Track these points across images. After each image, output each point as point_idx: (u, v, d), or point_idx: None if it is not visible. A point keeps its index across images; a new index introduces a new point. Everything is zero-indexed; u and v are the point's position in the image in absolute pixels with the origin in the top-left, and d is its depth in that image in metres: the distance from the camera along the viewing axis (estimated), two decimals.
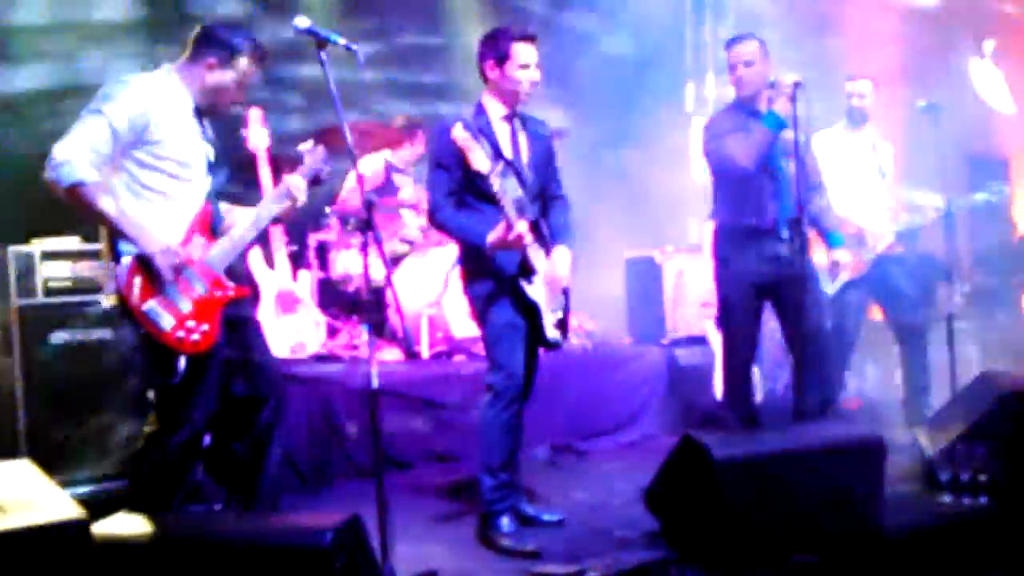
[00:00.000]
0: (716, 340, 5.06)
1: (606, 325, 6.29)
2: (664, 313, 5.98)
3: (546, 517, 3.78)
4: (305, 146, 3.48)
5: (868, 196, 5.16)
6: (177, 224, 3.11)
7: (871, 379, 6.00)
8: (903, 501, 3.78)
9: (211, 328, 3.08)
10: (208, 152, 3.23)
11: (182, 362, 3.03)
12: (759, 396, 5.04)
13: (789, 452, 3.33)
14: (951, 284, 5.41)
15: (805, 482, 3.25)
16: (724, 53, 4.30)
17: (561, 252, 3.71)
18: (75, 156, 2.89)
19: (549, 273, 3.65)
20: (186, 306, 3.05)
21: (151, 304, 3.00)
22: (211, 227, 3.21)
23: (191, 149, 3.15)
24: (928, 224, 5.15)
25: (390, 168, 5.94)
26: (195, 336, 3.04)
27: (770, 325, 4.57)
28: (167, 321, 3.01)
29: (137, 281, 2.99)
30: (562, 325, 3.74)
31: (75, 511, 2.13)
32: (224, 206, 3.37)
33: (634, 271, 6.28)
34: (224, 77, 3.18)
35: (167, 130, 3.07)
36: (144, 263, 2.99)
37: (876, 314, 5.40)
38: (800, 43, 6.66)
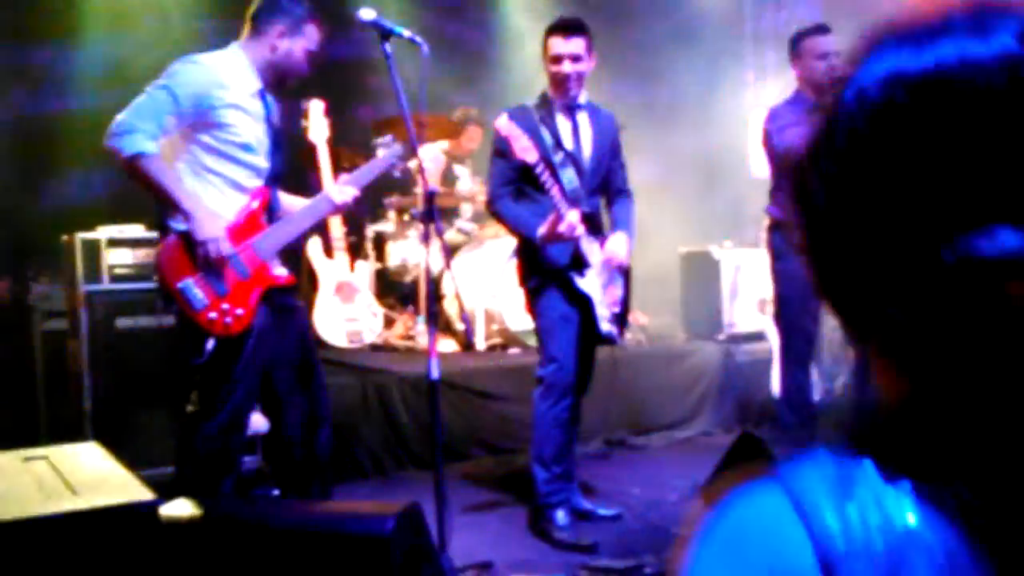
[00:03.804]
0: (774, 336, 5.00)
1: (661, 320, 6.25)
2: (721, 308, 5.91)
3: (602, 512, 3.78)
4: (383, 141, 3.48)
5: None
6: (234, 206, 3.08)
7: None
8: None
9: (245, 312, 3.04)
10: (270, 135, 3.19)
11: (210, 343, 3.00)
12: (817, 395, 4.96)
13: None
14: None
15: None
16: (791, 44, 4.21)
17: (618, 237, 3.68)
18: (136, 127, 2.88)
19: (605, 258, 3.62)
20: (223, 289, 3.01)
21: (187, 282, 2.98)
22: (266, 211, 3.18)
23: (254, 132, 3.12)
24: None
25: (449, 159, 5.96)
26: (227, 319, 3.00)
27: (829, 323, 4.49)
28: (200, 301, 2.98)
29: (177, 258, 2.98)
30: (620, 320, 3.72)
31: (145, 493, 2.16)
32: (281, 195, 3.35)
33: (690, 266, 6.22)
34: (294, 46, 3.15)
35: (232, 112, 3.04)
36: (188, 241, 2.96)
37: None
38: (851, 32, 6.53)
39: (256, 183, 3.14)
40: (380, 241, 5.82)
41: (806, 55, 4.13)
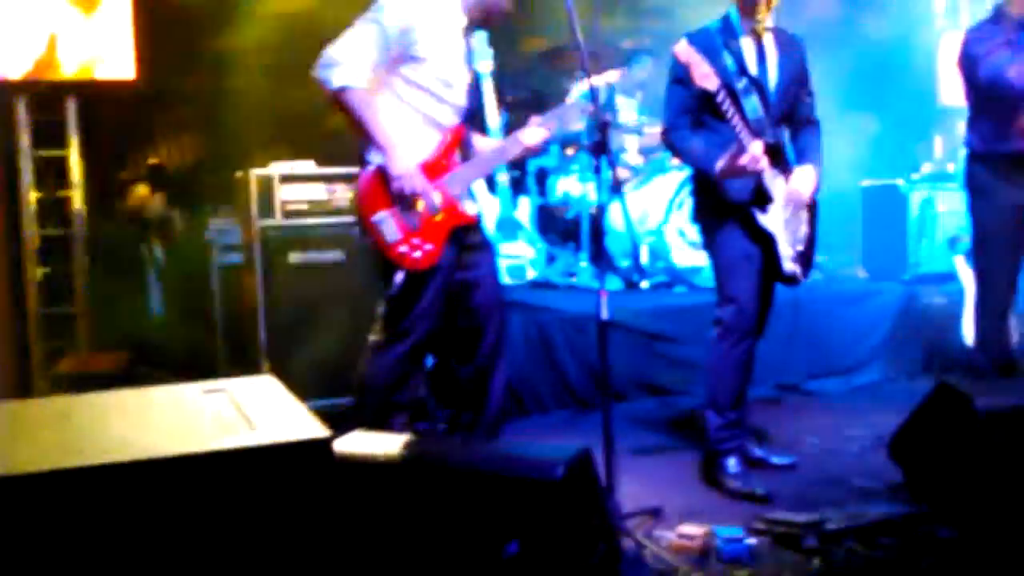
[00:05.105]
0: (967, 278, 4.63)
1: (839, 258, 5.92)
2: (906, 247, 5.53)
3: (776, 460, 3.60)
4: (578, 92, 3.36)
5: None
6: (429, 142, 3.12)
7: None
8: None
9: (435, 248, 3.09)
10: (469, 74, 3.23)
11: (400, 276, 3.08)
12: (1015, 340, 4.57)
13: None
14: None
15: None
16: None
17: (804, 171, 3.44)
18: (345, 59, 2.96)
19: (790, 194, 3.40)
20: (415, 223, 3.07)
21: (381, 215, 3.05)
22: (460, 149, 3.21)
23: (456, 69, 3.15)
24: None
25: (613, 91, 5.76)
26: (417, 253, 3.07)
27: None
28: (393, 234, 3.05)
29: (373, 191, 3.05)
30: (804, 258, 3.49)
31: (319, 429, 2.16)
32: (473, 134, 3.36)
33: (873, 200, 5.83)
34: None
35: (435, 47, 3.07)
36: (385, 176, 3.03)
37: None
38: None
39: (453, 120, 3.17)
40: (542, 176, 5.71)
41: None
